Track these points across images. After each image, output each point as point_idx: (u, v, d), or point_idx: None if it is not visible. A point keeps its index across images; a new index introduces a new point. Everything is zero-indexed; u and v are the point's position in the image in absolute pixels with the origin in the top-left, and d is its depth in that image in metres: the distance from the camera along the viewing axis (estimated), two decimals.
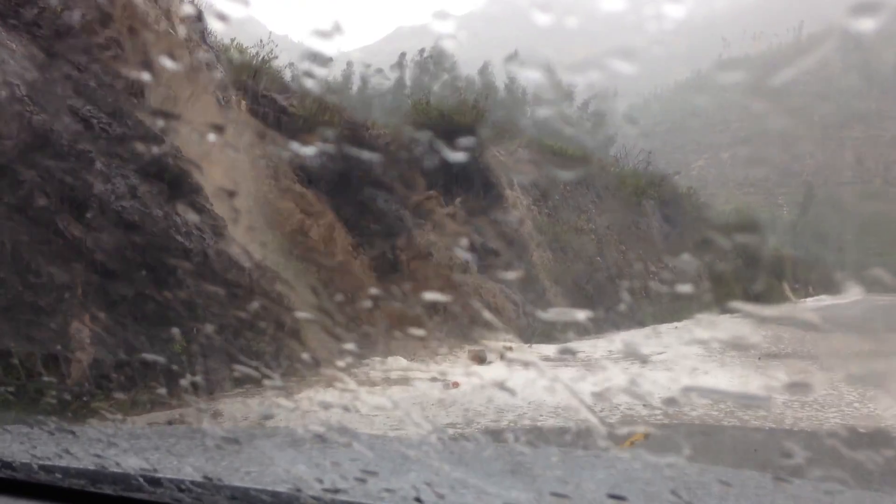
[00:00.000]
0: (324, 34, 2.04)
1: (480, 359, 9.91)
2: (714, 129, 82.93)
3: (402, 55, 39.11)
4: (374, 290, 12.36)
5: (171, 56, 10.69)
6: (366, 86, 37.61)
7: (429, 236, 14.65)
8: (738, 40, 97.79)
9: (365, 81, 38.02)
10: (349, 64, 35.99)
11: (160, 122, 9.68)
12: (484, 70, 39.99)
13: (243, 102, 13.21)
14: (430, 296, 13.96)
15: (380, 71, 38.85)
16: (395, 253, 13.98)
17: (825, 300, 28.33)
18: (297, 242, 11.70)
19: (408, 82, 37.21)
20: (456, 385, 8.23)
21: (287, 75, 17.20)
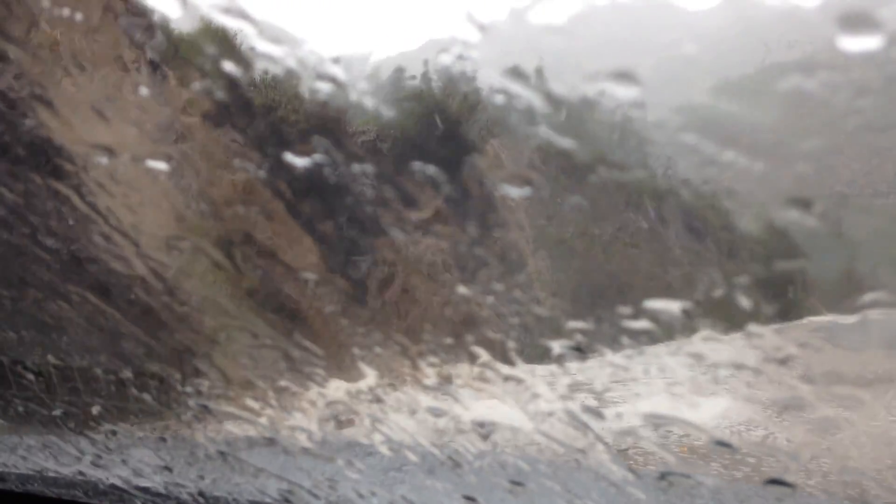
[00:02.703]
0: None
1: (446, 380, 8.98)
2: (747, 138, 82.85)
3: (426, 62, 39.28)
4: (339, 301, 11.36)
5: (74, 16, 9.47)
6: (381, 92, 37.62)
7: (410, 241, 13.85)
8: (774, 47, 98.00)
9: (380, 88, 38.13)
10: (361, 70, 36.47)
11: (35, 92, 8.42)
12: (509, 76, 39.94)
13: (176, 80, 11.73)
14: (410, 308, 13.36)
15: (413, 77, 38.78)
16: (370, 259, 13.07)
17: (858, 316, 28.04)
18: (233, 239, 10.60)
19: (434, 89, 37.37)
20: (349, 423, 6.59)
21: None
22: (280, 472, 2.14)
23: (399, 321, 11.94)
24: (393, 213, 13.83)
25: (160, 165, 9.82)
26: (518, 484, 2.00)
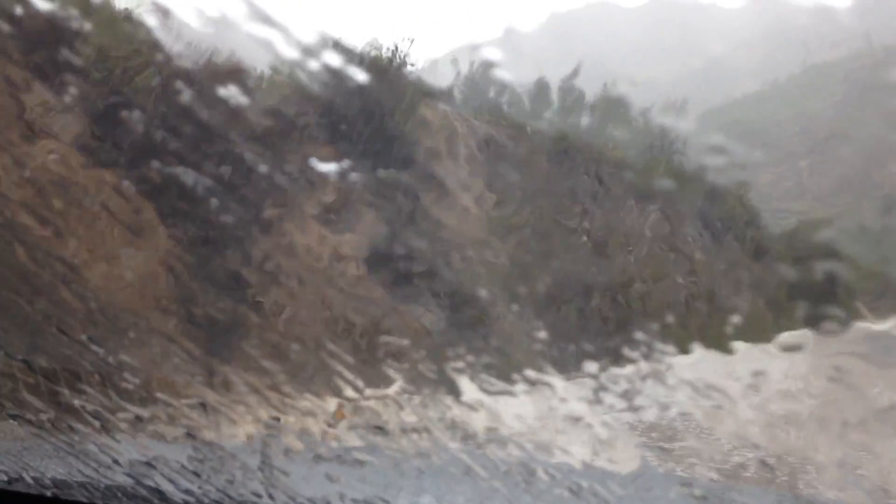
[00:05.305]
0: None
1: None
2: (791, 140, 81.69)
3: (455, 61, 39.64)
4: (189, 317, 9.24)
5: None
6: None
7: (304, 233, 11.27)
8: (815, 49, 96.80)
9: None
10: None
11: None
12: (540, 81, 40.27)
13: None
14: (293, 323, 9.97)
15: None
16: (242, 258, 10.39)
17: None
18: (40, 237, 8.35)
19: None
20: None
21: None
22: (308, 478, 2.24)
23: (249, 343, 10.17)
24: (265, 186, 11.26)
25: None
26: (540, 495, 2.07)
